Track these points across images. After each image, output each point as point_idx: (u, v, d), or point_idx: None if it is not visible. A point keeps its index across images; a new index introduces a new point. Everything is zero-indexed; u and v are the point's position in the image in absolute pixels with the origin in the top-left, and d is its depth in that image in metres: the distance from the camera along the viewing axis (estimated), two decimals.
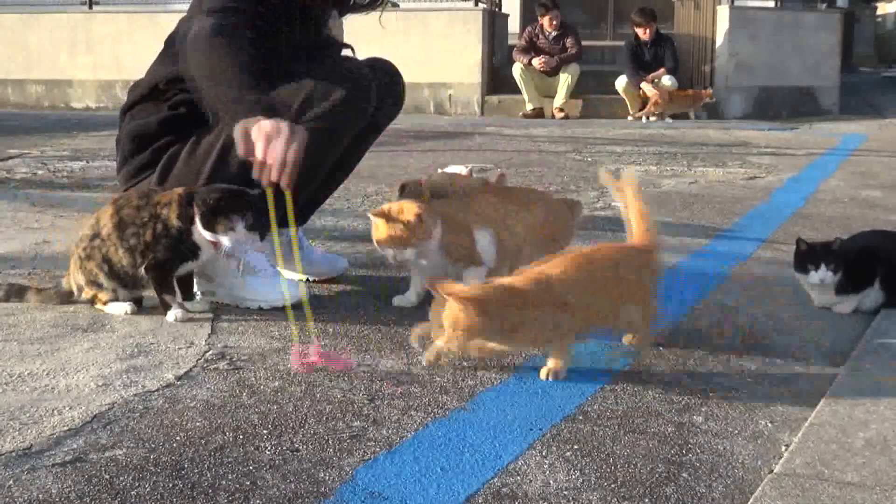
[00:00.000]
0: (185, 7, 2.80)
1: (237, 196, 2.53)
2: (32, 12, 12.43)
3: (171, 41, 2.83)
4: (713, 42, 11.42)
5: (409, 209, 2.59)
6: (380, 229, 2.61)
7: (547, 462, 1.79)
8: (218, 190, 2.54)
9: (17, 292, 2.77)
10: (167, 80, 2.79)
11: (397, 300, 2.79)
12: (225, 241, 2.53)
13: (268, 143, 2.34)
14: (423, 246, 2.63)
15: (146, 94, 2.85)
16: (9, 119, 9.91)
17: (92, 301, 2.68)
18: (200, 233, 2.55)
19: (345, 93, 2.70)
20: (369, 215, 2.64)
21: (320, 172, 2.85)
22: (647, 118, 10.49)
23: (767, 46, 11.47)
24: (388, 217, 2.60)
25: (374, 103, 2.80)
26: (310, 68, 2.76)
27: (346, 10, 3.11)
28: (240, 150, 2.38)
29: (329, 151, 2.81)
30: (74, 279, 2.68)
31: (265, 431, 1.89)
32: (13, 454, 1.76)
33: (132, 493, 1.63)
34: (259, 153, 2.34)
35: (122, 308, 2.65)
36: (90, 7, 12.39)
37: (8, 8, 12.91)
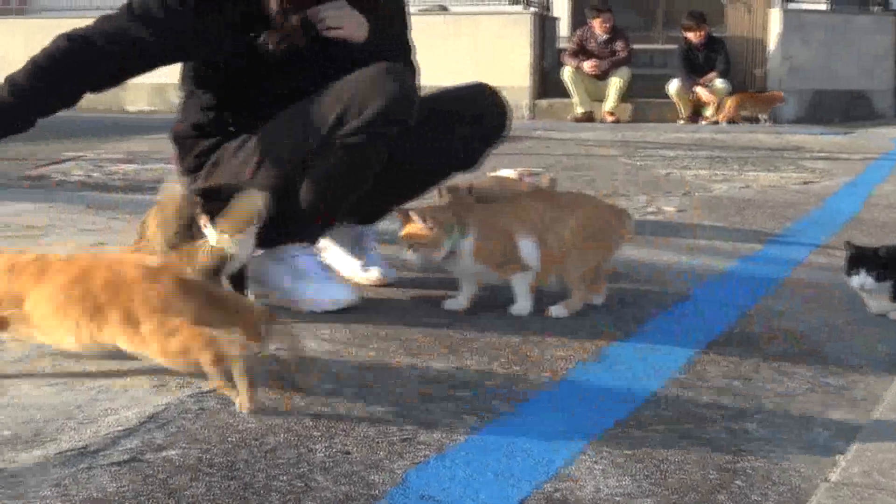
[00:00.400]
0: None
1: (220, 192, 2.53)
2: (86, 16, 12.59)
3: None
4: (765, 45, 11.32)
5: (419, 216, 2.65)
6: (403, 230, 2.69)
7: (598, 467, 1.78)
8: (209, 189, 2.58)
9: None
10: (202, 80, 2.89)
11: (448, 304, 2.80)
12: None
13: None
14: (430, 254, 2.68)
15: (191, 92, 2.94)
16: (64, 122, 9.99)
17: None
18: None
19: (384, 104, 2.63)
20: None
21: (359, 185, 2.79)
22: (722, 122, 10.38)
23: (820, 49, 11.35)
24: (406, 220, 2.67)
25: (412, 117, 2.71)
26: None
27: None
28: None
29: (366, 164, 2.74)
30: None
31: (317, 433, 1.90)
32: (70, 453, 1.78)
33: (186, 492, 1.64)
34: None
35: None
36: None
37: (63, 13, 13.10)
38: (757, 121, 10.57)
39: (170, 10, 2.67)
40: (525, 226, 2.70)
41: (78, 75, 2.77)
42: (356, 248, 3.10)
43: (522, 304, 2.74)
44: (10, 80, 2.64)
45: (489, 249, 2.69)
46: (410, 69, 2.91)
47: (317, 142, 2.67)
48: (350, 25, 2.76)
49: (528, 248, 2.69)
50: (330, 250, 3.11)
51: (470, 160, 2.99)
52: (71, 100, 2.79)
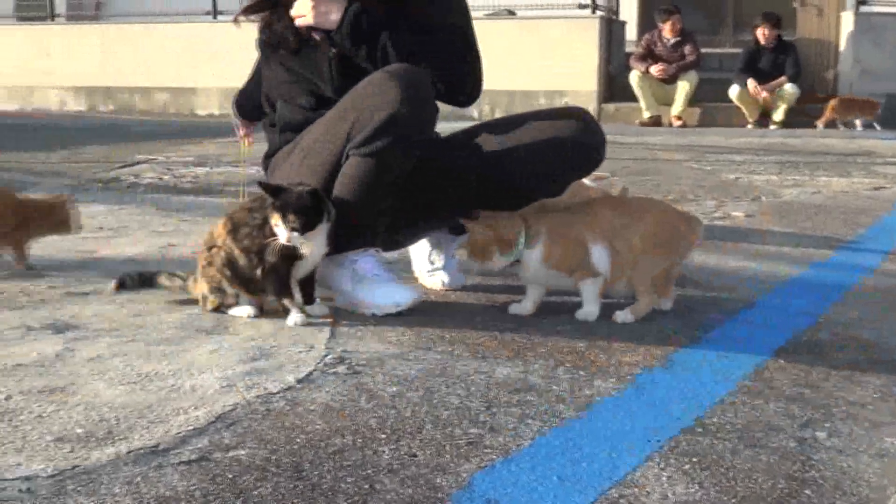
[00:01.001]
0: None
1: (279, 192, 2.57)
2: (159, 22, 12.83)
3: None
4: (836, 48, 11.14)
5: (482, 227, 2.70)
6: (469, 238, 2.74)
7: (665, 474, 1.76)
8: (270, 188, 2.60)
9: (148, 279, 2.87)
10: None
11: (514, 308, 2.80)
12: (279, 237, 2.57)
13: None
14: (488, 265, 2.71)
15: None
16: (136, 126, 10.25)
17: (217, 308, 2.75)
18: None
19: (390, 114, 2.61)
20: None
21: (376, 195, 2.74)
22: (821, 126, 10.24)
23: (893, 52, 11.12)
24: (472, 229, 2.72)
25: (423, 125, 2.71)
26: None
27: None
28: None
29: (376, 175, 2.71)
30: (199, 287, 2.76)
31: (383, 436, 1.91)
32: (141, 451, 1.81)
33: (254, 492, 1.66)
34: None
35: (244, 311, 2.71)
36: (214, 17, 12.74)
37: (135, 18, 13.36)
38: (853, 126, 10.35)
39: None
40: (596, 232, 2.68)
41: None
42: (434, 251, 3.11)
43: (589, 310, 2.73)
44: None
45: (559, 256, 2.69)
46: (462, 61, 2.89)
47: (337, 153, 2.71)
48: (317, 14, 2.75)
49: (599, 255, 2.68)
50: (412, 249, 3.17)
51: (559, 189, 2.93)
52: None
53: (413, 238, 3.07)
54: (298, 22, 2.77)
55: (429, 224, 3.02)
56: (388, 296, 2.75)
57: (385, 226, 2.85)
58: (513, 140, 2.85)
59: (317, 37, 2.78)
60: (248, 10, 2.87)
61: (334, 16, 2.73)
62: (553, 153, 2.83)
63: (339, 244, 2.72)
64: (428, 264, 3.11)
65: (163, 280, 2.86)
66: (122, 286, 2.85)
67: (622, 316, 2.71)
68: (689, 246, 2.80)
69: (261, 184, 2.60)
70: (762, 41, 10.72)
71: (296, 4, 2.78)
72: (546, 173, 2.85)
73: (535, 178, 2.84)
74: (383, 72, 2.66)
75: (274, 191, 2.56)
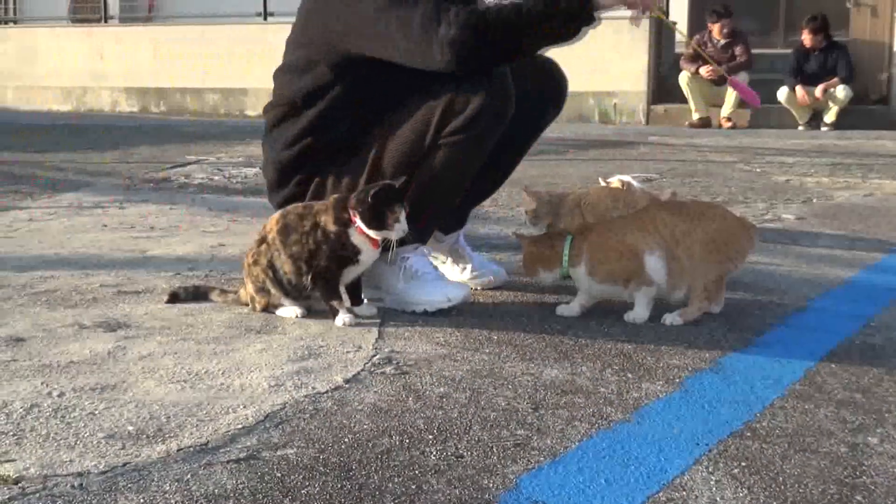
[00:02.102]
0: None
1: (390, 188, 2.59)
2: (210, 24, 12.94)
3: (290, 62, 2.88)
4: (891, 49, 10.97)
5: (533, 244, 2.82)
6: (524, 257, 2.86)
7: (714, 478, 1.75)
8: (373, 187, 2.59)
9: (203, 294, 2.89)
10: (305, 94, 2.81)
11: (561, 309, 2.79)
12: (392, 234, 2.59)
13: None
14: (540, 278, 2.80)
15: (286, 112, 2.86)
16: (187, 126, 10.35)
17: (265, 308, 2.77)
18: (359, 234, 2.60)
19: (483, 100, 2.65)
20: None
21: (464, 183, 2.83)
22: None
23: None
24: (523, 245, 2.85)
25: (513, 109, 2.72)
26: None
27: None
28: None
29: (471, 162, 2.76)
30: (248, 290, 2.78)
31: (430, 436, 1.91)
32: (191, 449, 1.83)
33: (302, 491, 1.67)
34: None
35: (292, 311, 2.73)
36: (265, 18, 12.84)
37: (187, 20, 13.50)
38: None
39: None
40: (651, 240, 2.67)
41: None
42: (455, 256, 3.13)
43: (639, 312, 2.72)
44: None
45: (607, 270, 2.69)
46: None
47: (422, 144, 2.70)
48: None
49: (653, 264, 2.66)
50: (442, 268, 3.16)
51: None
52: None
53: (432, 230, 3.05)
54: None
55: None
56: (440, 291, 2.76)
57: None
58: None
59: None
60: None
61: None
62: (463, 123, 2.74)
63: (421, 234, 2.80)
64: (459, 273, 3.11)
65: (215, 296, 2.88)
66: (174, 299, 2.88)
67: (671, 319, 2.70)
68: (746, 254, 2.77)
69: (388, 184, 2.62)
70: (807, 45, 10.59)
71: None
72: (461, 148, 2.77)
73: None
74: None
75: (383, 188, 2.59)
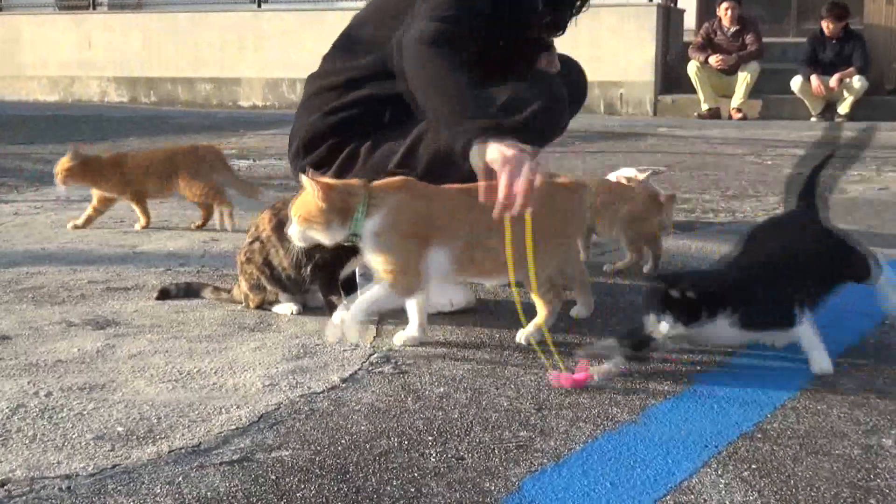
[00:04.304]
0: (353, 5, 2.80)
1: None
2: (202, 11, 12.85)
3: (352, 38, 2.84)
4: None
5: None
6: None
7: (723, 481, 1.71)
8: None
9: (194, 291, 2.86)
10: (348, 80, 2.78)
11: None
12: None
13: (511, 174, 2.21)
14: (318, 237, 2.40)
15: (332, 84, 2.83)
16: (179, 117, 10.32)
17: (260, 306, 2.73)
18: None
19: (541, 103, 2.65)
20: None
21: None
22: None
23: None
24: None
25: (569, 115, 2.78)
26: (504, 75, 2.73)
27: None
28: (481, 179, 2.28)
29: None
30: (241, 287, 2.74)
31: (430, 438, 1.87)
32: (183, 451, 1.80)
33: (297, 494, 1.63)
34: (503, 186, 2.21)
35: (287, 308, 2.69)
36: (259, 6, 12.76)
37: (178, 7, 13.41)
38: None
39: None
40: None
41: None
42: None
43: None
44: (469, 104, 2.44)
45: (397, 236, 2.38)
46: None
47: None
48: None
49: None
50: None
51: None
52: None
53: None
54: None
55: None
56: (442, 293, 2.70)
57: None
58: None
59: None
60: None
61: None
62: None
63: None
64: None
65: (208, 293, 2.85)
66: (164, 295, 2.84)
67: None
68: (579, 220, 2.60)
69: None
70: (826, 33, 10.50)
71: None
72: None
73: None
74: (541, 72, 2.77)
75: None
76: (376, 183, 2.36)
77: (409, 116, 2.66)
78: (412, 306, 2.44)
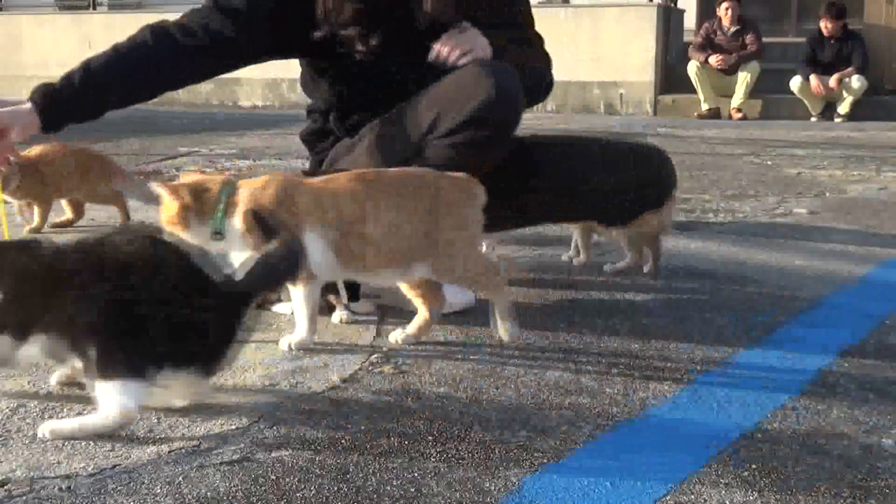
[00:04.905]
0: None
1: None
2: None
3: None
4: None
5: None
6: None
7: (723, 481, 1.71)
8: None
9: None
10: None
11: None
12: None
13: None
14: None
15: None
16: (179, 117, 10.30)
17: (260, 306, 2.72)
18: None
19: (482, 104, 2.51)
20: None
21: None
22: None
23: None
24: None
25: (515, 119, 2.60)
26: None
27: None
28: None
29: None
30: None
31: (430, 438, 1.87)
32: (182, 451, 1.79)
33: (297, 494, 1.63)
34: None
35: (288, 308, 2.68)
36: None
37: (178, 7, 13.29)
38: None
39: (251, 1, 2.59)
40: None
41: (157, 72, 2.60)
42: None
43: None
44: (86, 65, 2.54)
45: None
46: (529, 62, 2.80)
47: (414, 146, 2.59)
48: (480, 53, 2.61)
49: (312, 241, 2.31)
50: None
51: (621, 219, 2.97)
52: (147, 96, 2.64)
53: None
54: (466, 56, 2.59)
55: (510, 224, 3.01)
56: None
57: None
58: (595, 165, 2.85)
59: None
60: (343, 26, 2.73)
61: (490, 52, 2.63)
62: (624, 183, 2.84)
63: None
64: None
65: None
66: None
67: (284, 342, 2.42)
68: (465, 218, 2.38)
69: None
70: (825, 32, 10.50)
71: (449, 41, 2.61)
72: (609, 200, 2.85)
73: (600, 199, 2.85)
74: (475, 65, 2.56)
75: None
76: (242, 180, 2.37)
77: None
78: (300, 307, 2.38)
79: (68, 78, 2.49)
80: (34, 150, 3.77)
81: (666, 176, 2.99)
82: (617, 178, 2.84)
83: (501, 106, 2.51)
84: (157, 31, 2.59)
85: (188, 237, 2.30)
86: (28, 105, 2.43)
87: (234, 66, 2.68)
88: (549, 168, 2.84)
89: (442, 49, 2.58)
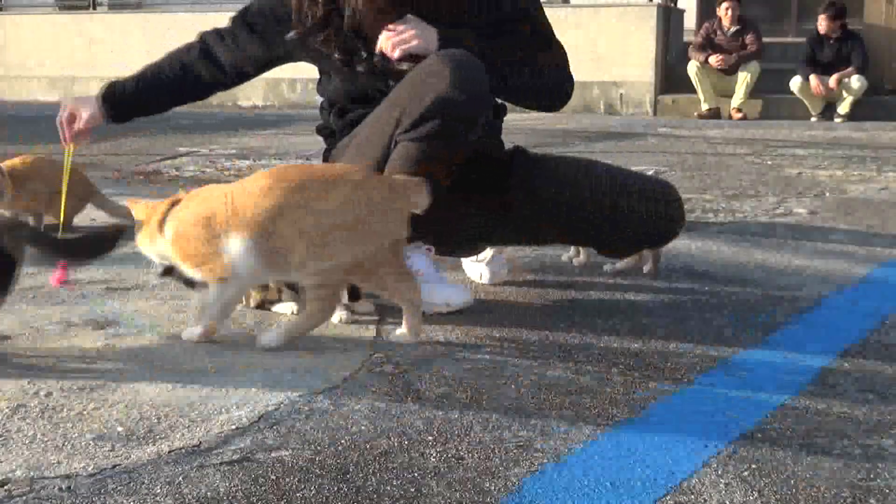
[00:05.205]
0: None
1: None
2: (202, 11, 12.79)
3: None
4: None
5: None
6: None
7: (723, 481, 1.70)
8: None
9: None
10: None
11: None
12: None
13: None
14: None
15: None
16: (179, 117, 10.24)
17: (260, 305, 2.72)
18: None
19: (437, 97, 2.48)
20: None
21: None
22: None
23: None
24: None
25: (475, 111, 2.56)
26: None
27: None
28: None
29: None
30: None
31: (430, 438, 1.87)
32: (183, 451, 1.79)
33: (298, 494, 1.63)
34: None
35: (288, 308, 2.68)
36: None
37: (178, 7, 13.34)
38: None
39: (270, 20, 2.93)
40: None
41: (198, 87, 3.24)
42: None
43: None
44: (145, 69, 3.11)
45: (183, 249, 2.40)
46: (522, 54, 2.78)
47: (387, 142, 2.58)
48: (420, 44, 2.59)
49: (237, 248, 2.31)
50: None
51: (624, 252, 3.00)
52: (191, 101, 3.27)
53: (472, 251, 3.02)
54: (399, 48, 2.58)
55: (496, 240, 2.98)
56: (439, 294, 2.69)
57: (444, 227, 2.74)
58: (606, 197, 2.75)
59: (403, 66, 2.62)
60: (311, 31, 2.75)
61: (435, 44, 2.59)
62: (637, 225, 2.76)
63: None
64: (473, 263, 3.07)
65: None
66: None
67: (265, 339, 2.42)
68: (399, 219, 2.35)
69: None
70: (823, 32, 10.49)
71: (390, 32, 2.61)
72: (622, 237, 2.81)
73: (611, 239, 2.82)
74: (436, 56, 2.53)
75: None
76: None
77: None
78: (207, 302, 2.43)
79: (133, 76, 3.03)
80: (14, 161, 3.83)
81: (672, 218, 2.81)
82: (621, 214, 2.73)
83: (459, 94, 2.47)
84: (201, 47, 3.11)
85: (155, 252, 2.48)
86: (94, 96, 2.99)
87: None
88: (548, 190, 2.78)
89: (384, 44, 2.60)
